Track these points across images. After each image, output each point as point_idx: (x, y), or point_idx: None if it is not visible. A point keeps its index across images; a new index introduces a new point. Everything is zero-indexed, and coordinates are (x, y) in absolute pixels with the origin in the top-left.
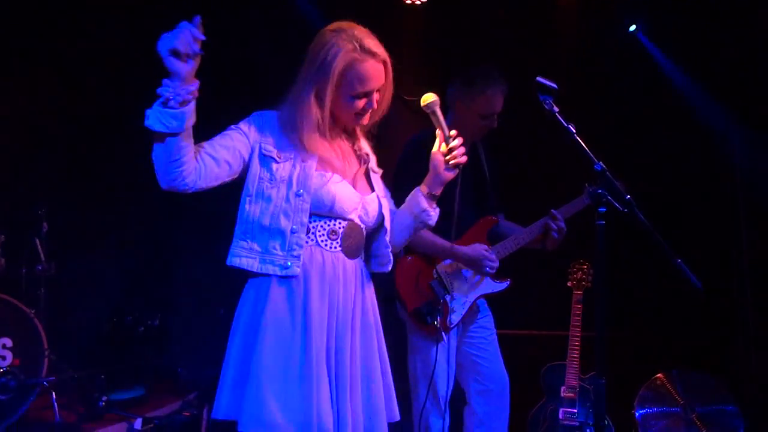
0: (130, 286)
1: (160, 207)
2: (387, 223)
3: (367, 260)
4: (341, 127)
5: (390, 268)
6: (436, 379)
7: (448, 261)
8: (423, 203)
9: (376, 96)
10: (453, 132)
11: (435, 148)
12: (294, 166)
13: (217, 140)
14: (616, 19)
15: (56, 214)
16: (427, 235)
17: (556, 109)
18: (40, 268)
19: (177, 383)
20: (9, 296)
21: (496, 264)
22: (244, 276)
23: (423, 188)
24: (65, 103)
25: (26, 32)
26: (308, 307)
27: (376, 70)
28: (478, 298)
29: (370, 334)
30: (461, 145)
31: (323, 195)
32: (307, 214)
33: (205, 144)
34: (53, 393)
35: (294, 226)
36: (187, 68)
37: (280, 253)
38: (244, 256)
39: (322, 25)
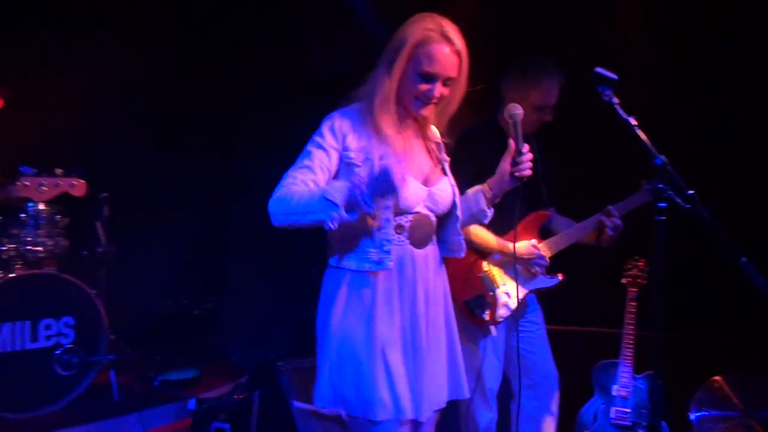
0: (185, 270)
1: (216, 195)
2: (459, 211)
3: (438, 245)
4: (411, 115)
5: (463, 254)
6: (483, 372)
7: (498, 255)
8: (482, 204)
9: (441, 88)
10: (526, 146)
11: (505, 158)
12: (371, 168)
13: (311, 173)
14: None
15: (117, 198)
16: (478, 228)
17: (615, 100)
18: (100, 250)
19: (228, 366)
20: (72, 277)
21: (545, 262)
22: (318, 268)
23: (486, 190)
24: (129, 90)
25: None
26: (375, 297)
27: (448, 57)
28: (528, 293)
29: (437, 318)
30: (530, 160)
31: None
32: (391, 211)
33: (309, 181)
34: (112, 371)
35: (380, 224)
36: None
37: (373, 250)
38: (344, 256)
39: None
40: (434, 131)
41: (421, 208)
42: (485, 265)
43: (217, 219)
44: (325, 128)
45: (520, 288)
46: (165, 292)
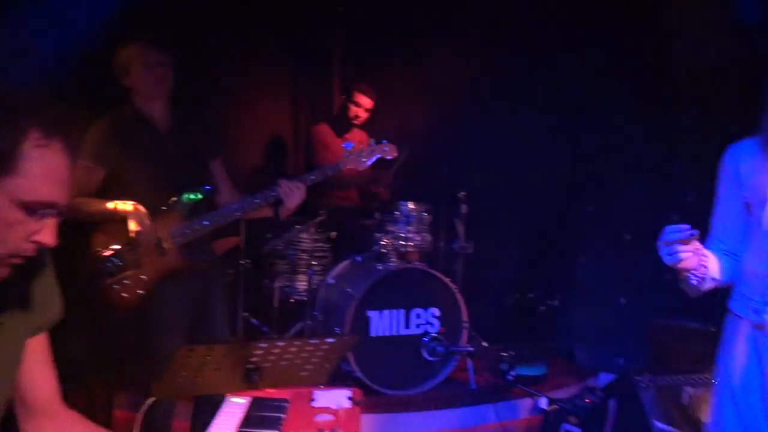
0: (533, 266)
1: (564, 194)
2: None
3: None
4: None
5: None
6: None
7: None
8: None
9: None
10: None
11: None
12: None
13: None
14: None
15: (474, 197)
16: None
17: None
18: (458, 246)
19: (573, 365)
20: (437, 272)
21: None
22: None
23: None
24: (483, 93)
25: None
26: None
27: None
28: None
29: None
30: None
31: None
32: None
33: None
34: (470, 361)
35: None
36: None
37: (755, 298)
38: (731, 295)
39: None
40: None
41: None
42: None
43: (565, 217)
44: (721, 166)
45: None
46: (514, 288)
